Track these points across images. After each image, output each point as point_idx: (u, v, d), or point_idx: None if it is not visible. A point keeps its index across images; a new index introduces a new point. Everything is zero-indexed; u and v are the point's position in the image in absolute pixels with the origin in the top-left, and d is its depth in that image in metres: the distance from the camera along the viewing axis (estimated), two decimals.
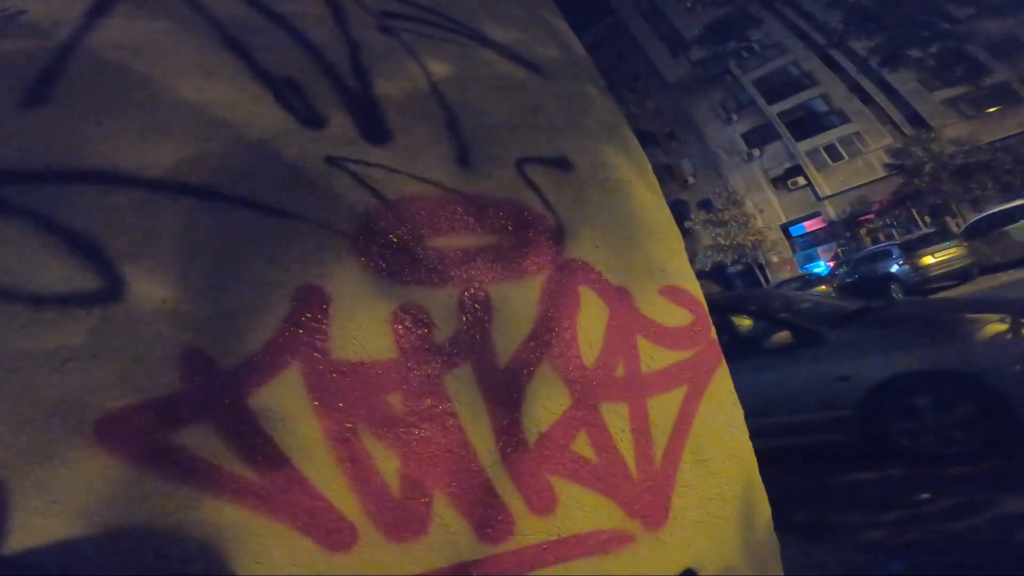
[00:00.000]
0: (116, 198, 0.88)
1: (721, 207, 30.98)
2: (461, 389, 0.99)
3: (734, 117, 33.35)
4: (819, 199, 30.81)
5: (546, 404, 1.07)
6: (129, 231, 0.87)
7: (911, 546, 2.77)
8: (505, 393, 1.03)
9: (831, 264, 26.00)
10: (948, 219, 25.33)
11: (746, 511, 1.40)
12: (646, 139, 34.04)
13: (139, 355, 0.82)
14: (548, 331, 1.12)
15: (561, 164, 1.38)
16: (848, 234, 29.52)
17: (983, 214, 16.24)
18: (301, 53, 1.19)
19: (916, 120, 27.86)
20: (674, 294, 1.46)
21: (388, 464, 0.92)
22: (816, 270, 26.05)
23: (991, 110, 26.35)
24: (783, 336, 4.43)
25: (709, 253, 31.73)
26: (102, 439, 0.78)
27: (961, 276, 14.02)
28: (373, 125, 1.13)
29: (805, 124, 31.37)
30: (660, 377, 1.30)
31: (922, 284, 14.04)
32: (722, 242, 30.31)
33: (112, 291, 0.83)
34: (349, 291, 0.95)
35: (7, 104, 0.94)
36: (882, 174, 28.27)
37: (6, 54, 1.01)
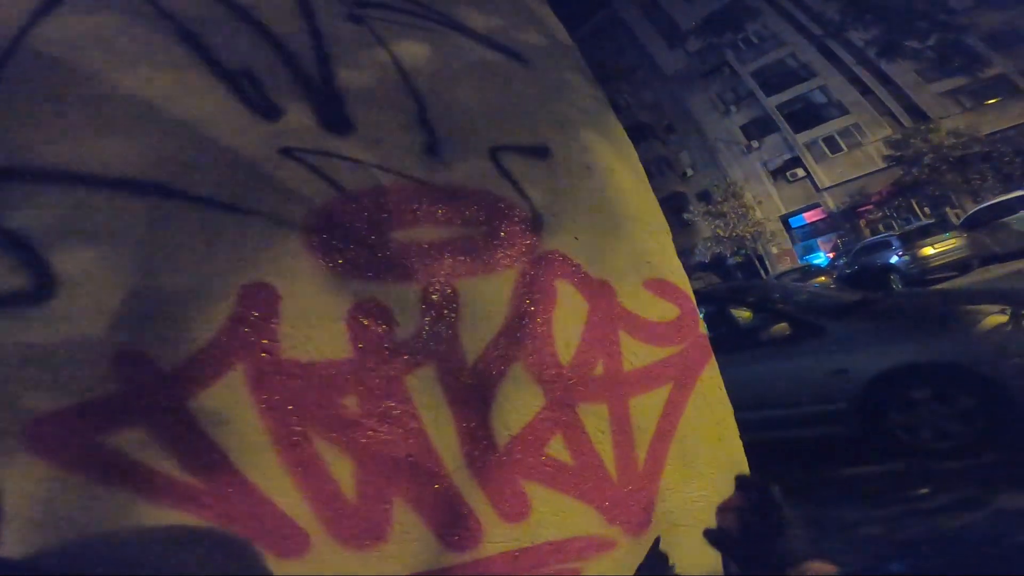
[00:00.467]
0: (52, 195, 0.82)
1: (720, 199, 30.97)
2: (424, 390, 0.93)
3: (732, 109, 33.25)
4: (819, 190, 30.79)
5: (518, 405, 1.01)
6: (66, 229, 0.81)
7: (907, 544, 2.72)
8: (473, 394, 0.97)
9: (831, 255, 25.99)
10: (948, 210, 25.28)
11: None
12: (644, 131, 33.93)
13: (74, 357, 0.76)
14: (521, 328, 1.05)
15: (539, 152, 1.31)
16: (848, 225, 29.50)
17: (983, 205, 16.17)
18: (261, 44, 1.12)
19: (915, 111, 27.81)
20: (660, 287, 1.39)
21: (343, 469, 0.86)
22: (816, 261, 26.02)
23: (990, 102, 26.28)
24: (781, 328, 4.37)
25: (708, 244, 31.70)
26: (35, 444, 0.73)
27: (961, 267, 13.98)
28: (334, 115, 1.06)
29: (804, 116, 31.34)
30: (643, 375, 1.24)
31: (922, 275, 14.00)
32: (721, 234, 30.31)
33: (46, 291, 0.78)
34: (302, 288, 0.89)
35: None
36: (881, 165, 28.24)
37: None
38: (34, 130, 0.87)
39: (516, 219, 1.14)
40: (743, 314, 5.23)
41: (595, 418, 1.11)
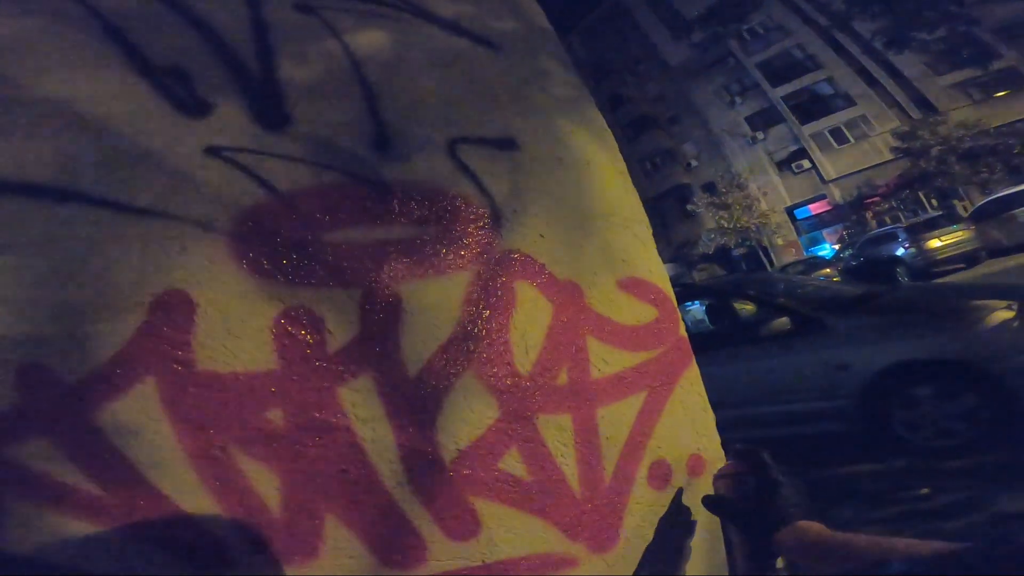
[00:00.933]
0: None
1: (724, 190, 30.81)
2: (359, 402, 0.86)
3: (737, 100, 32.95)
4: (824, 182, 30.53)
5: (467, 417, 0.94)
6: None
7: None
8: (416, 406, 0.90)
9: (836, 247, 25.73)
10: (955, 202, 25.00)
11: (713, 530, 1.27)
12: (647, 123, 33.64)
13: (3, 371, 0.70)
14: (473, 334, 0.97)
15: (504, 144, 1.23)
16: (854, 217, 29.22)
17: (991, 197, 15.97)
18: (193, 39, 1.04)
19: (923, 104, 27.50)
20: (635, 287, 1.31)
21: (268, 484, 0.80)
22: (821, 253, 25.81)
23: (999, 94, 25.91)
24: (782, 322, 4.28)
25: (712, 236, 31.48)
26: None
27: (968, 259, 13.81)
28: (269, 110, 0.99)
29: (810, 107, 31.04)
30: (614, 383, 1.16)
31: (928, 267, 13.84)
32: (725, 225, 30.16)
33: None
34: (222, 295, 0.82)
35: None
36: (889, 157, 27.96)
37: None
38: None
39: (472, 217, 1.06)
40: (744, 307, 5.14)
41: (557, 430, 1.03)
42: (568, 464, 1.03)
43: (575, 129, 1.44)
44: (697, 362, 1.37)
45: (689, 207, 33.15)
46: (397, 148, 1.06)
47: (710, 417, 1.36)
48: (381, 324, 0.89)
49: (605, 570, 1.06)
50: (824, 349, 3.98)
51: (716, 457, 1.32)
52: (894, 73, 28.08)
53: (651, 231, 1.47)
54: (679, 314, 1.41)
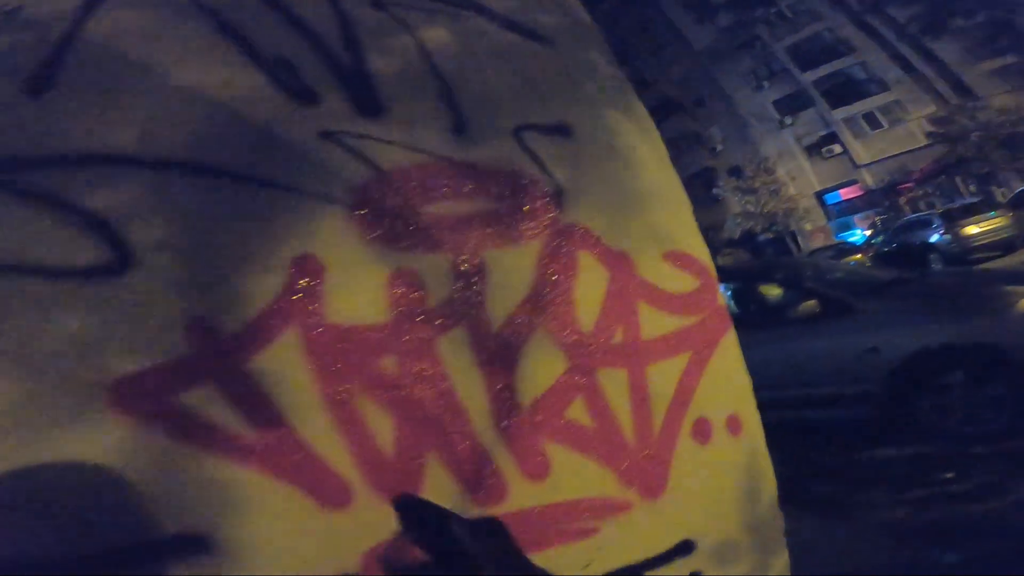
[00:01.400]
0: (122, 179, 0.92)
1: (751, 174, 30.20)
2: (454, 353, 1.01)
3: (765, 84, 32.25)
4: (856, 167, 29.76)
5: (541, 369, 1.08)
6: (135, 209, 0.90)
7: (931, 529, 2.72)
8: (499, 358, 1.04)
9: (868, 233, 25.19)
10: (994, 188, 24.25)
11: (749, 485, 1.39)
12: (672, 106, 33.13)
13: (147, 323, 0.86)
14: (543, 296, 1.11)
15: (560, 131, 1.35)
16: (887, 203, 28.49)
17: None
18: (293, 32, 1.19)
19: (961, 89, 26.57)
20: (679, 259, 1.43)
21: (382, 425, 0.94)
22: (852, 239, 25.25)
23: None
24: (810, 305, 4.32)
25: (739, 220, 31.01)
26: (115, 404, 0.82)
27: (1005, 247, 13.46)
28: (366, 99, 1.13)
29: (841, 92, 30.21)
30: (661, 343, 1.29)
31: (964, 255, 13.53)
32: (752, 209, 29.62)
33: (122, 265, 0.87)
34: (344, 259, 0.97)
35: (14, 94, 0.98)
36: (924, 142, 27.14)
37: (7, 47, 1.05)
38: (99, 118, 0.96)
39: (539, 194, 1.19)
40: (773, 291, 5.16)
41: (614, 384, 1.17)
42: (623, 415, 1.17)
43: (620, 117, 1.56)
44: None
45: (715, 191, 32.66)
46: (472, 134, 1.19)
47: (747, 381, 1.48)
48: (469, 285, 1.04)
49: (654, 516, 1.20)
50: (853, 333, 4.01)
51: (753, 419, 1.45)
52: (930, 58, 27.17)
53: (691, 209, 1.59)
54: (717, 285, 1.53)
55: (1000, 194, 22.45)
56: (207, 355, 0.87)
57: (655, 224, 1.42)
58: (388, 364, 0.95)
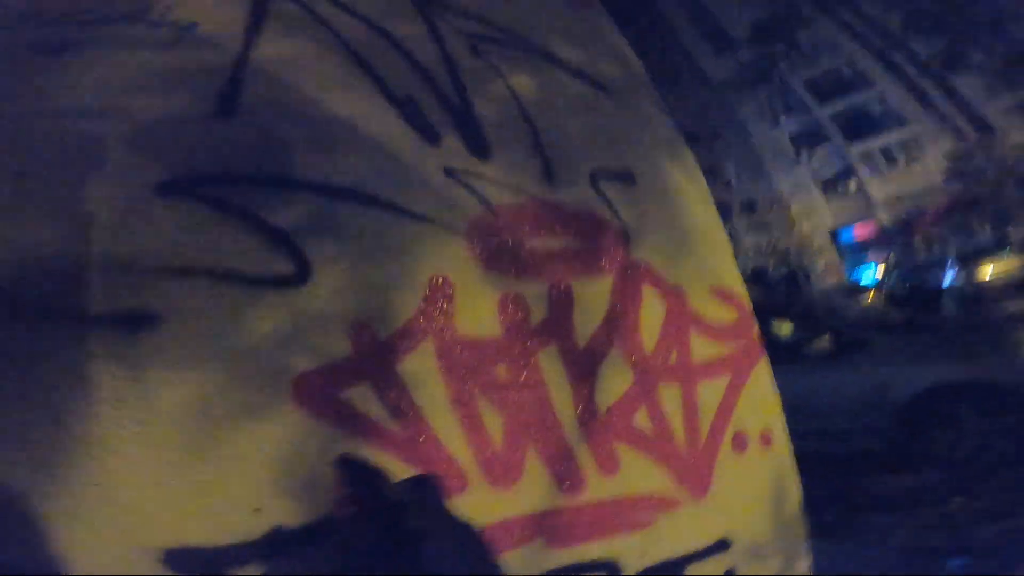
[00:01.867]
0: (299, 199, 1.13)
1: (765, 209, 30.26)
2: (550, 365, 1.22)
3: (782, 118, 32.46)
4: (871, 204, 29.74)
5: (614, 382, 1.29)
6: (311, 228, 1.11)
7: (934, 552, 2.87)
8: (583, 371, 1.25)
9: (881, 272, 25.17)
10: (1010, 228, 24.23)
11: (778, 493, 1.59)
12: (688, 138, 33.33)
13: (323, 327, 1.07)
14: (616, 321, 1.33)
15: (626, 177, 1.58)
16: (901, 241, 28.43)
17: None
18: (413, 73, 1.39)
19: (980, 125, 26.57)
20: (722, 294, 1.65)
21: (494, 422, 1.15)
22: (865, 278, 25.24)
23: None
24: (824, 342, 4.49)
25: (750, 256, 31.02)
26: (296, 397, 1.03)
27: (1019, 288, 13.50)
28: (477, 141, 1.35)
29: (858, 126, 30.27)
30: (707, 366, 1.50)
31: (978, 295, 13.58)
32: (764, 245, 29.60)
33: (303, 276, 1.08)
34: (467, 281, 1.19)
35: (206, 114, 1.18)
36: (941, 180, 27.16)
37: (190, 66, 1.25)
38: (276, 142, 1.18)
39: (612, 234, 1.41)
40: (787, 326, 5.31)
41: (670, 397, 1.38)
42: (677, 424, 1.37)
43: (673, 165, 1.79)
44: None
45: (727, 226, 32.74)
46: (558, 178, 1.41)
47: (777, 402, 1.68)
48: (561, 309, 1.26)
49: (698, 514, 1.39)
50: (867, 369, 4.17)
51: (782, 435, 1.64)
52: (950, 93, 27.26)
53: (732, 250, 1.81)
54: (754, 318, 1.73)
55: (1016, 234, 22.42)
56: (366, 358, 1.08)
57: (703, 262, 1.64)
58: (501, 371, 1.17)
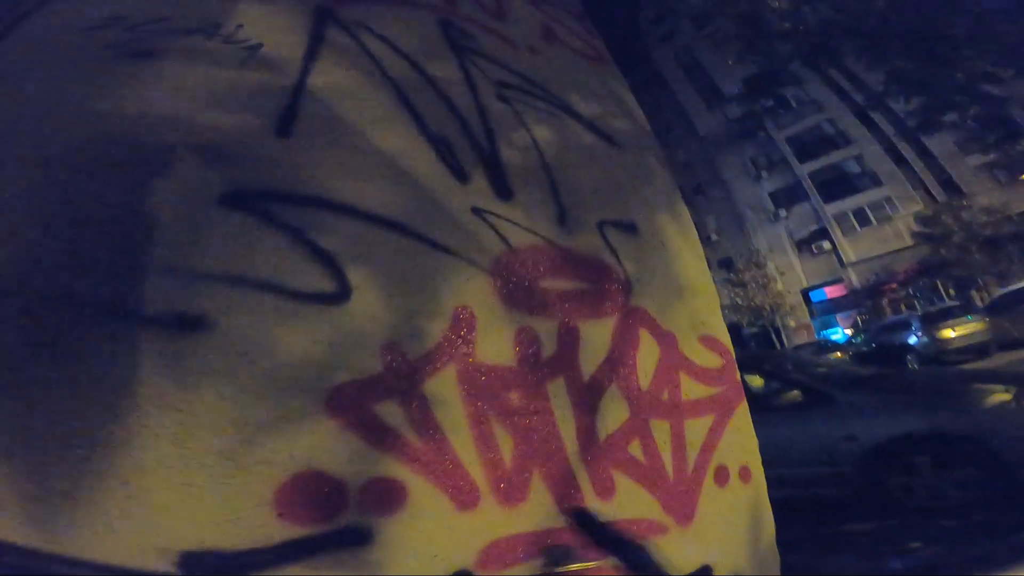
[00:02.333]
0: (344, 223, 1.26)
1: (742, 267, 30.76)
2: (556, 395, 1.35)
3: (764, 175, 33.42)
4: (843, 265, 30.53)
5: (612, 414, 1.42)
6: (353, 251, 1.23)
7: None
8: (586, 403, 1.39)
9: (849, 332, 25.83)
10: (973, 292, 25.07)
11: (754, 524, 1.72)
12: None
13: (358, 345, 1.18)
14: (616, 360, 1.47)
15: (630, 228, 1.74)
16: (869, 303, 29.24)
17: (1008, 289, 16.23)
18: (448, 114, 1.54)
19: (949, 186, 27.07)
20: (709, 342, 1.81)
21: (505, 444, 1.27)
22: (834, 337, 25.84)
23: None
24: (794, 395, 4.72)
25: (726, 313, 31.41)
26: (329, 408, 1.13)
27: (980, 351, 14.03)
28: (501, 184, 1.50)
29: (836, 186, 30.94)
30: (694, 405, 1.65)
31: (939, 356, 14.06)
32: (740, 303, 29.87)
33: (343, 296, 1.20)
34: (488, 313, 1.32)
35: (266, 132, 1.30)
36: (910, 242, 27.91)
37: (255, 86, 1.37)
38: (328, 168, 1.31)
39: (616, 280, 1.58)
40: (756, 381, 5.53)
41: (660, 431, 1.52)
42: (667, 456, 1.51)
43: (669, 218, 1.97)
44: None
45: None
46: (570, 224, 1.58)
47: (755, 441, 1.83)
48: (569, 345, 1.40)
49: (684, 541, 1.51)
50: (833, 421, 4.40)
51: (759, 472, 1.79)
52: (924, 153, 27.71)
53: (719, 302, 1.99)
54: (736, 365, 1.90)
55: (979, 298, 23.16)
56: (394, 377, 1.19)
57: (694, 311, 1.80)
58: (513, 398, 1.29)
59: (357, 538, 1.12)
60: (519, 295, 1.38)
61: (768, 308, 30.20)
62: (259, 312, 1.15)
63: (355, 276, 1.23)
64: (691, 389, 1.66)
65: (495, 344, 1.32)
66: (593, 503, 1.35)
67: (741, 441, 1.75)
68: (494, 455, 1.26)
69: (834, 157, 31.32)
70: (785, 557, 1.80)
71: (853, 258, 30.29)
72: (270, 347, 1.14)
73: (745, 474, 1.71)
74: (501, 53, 1.85)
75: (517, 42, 1.96)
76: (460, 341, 1.27)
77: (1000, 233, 23.86)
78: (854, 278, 30.22)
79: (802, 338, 29.18)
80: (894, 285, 28.72)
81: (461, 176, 1.47)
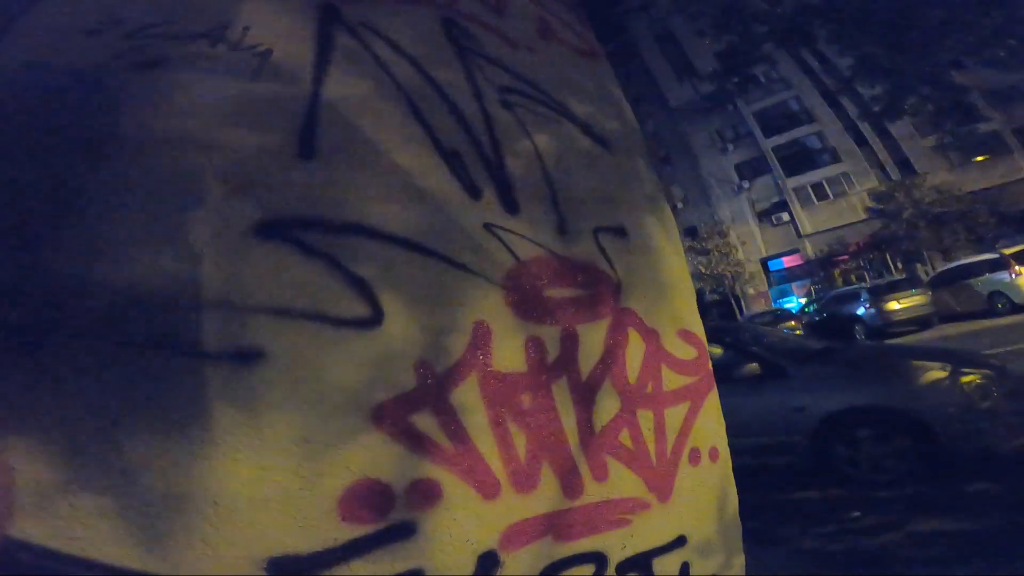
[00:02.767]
0: (372, 247, 1.36)
1: (706, 235, 31.47)
2: (560, 394, 1.51)
3: (730, 147, 34.01)
4: (800, 236, 31.62)
5: (606, 408, 1.60)
6: (383, 275, 1.34)
7: (835, 556, 3.39)
8: (584, 399, 1.56)
9: (803, 300, 26.95)
10: (919, 266, 26.35)
11: (722, 498, 1.95)
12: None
13: (394, 364, 1.31)
14: (610, 358, 1.65)
15: (620, 232, 1.88)
16: (823, 273, 30.44)
17: (950, 265, 17.15)
18: (456, 126, 1.61)
19: (905, 165, 28.17)
20: (686, 336, 2.00)
21: (519, 440, 1.43)
22: (788, 305, 26.89)
23: (978, 159, 26.69)
24: (753, 367, 5.05)
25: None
26: (376, 422, 1.27)
27: (922, 323, 14.93)
28: (508, 198, 1.61)
29: (797, 160, 31.90)
30: (673, 394, 1.84)
31: (884, 328, 14.92)
32: (702, 270, 30.58)
33: (377, 320, 1.32)
34: (501, 325, 1.46)
35: (290, 155, 1.36)
36: (863, 216, 29.03)
37: (271, 99, 1.40)
38: (353, 190, 1.40)
39: (609, 284, 1.74)
40: (715, 351, 5.85)
41: (645, 420, 1.71)
42: (650, 442, 1.71)
43: (655, 222, 2.12)
44: None
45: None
46: (569, 233, 1.71)
47: (722, 424, 2.05)
48: (569, 348, 1.56)
49: (664, 515, 1.72)
50: (786, 393, 4.76)
51: (725, 452, 2.01)
52: (883, 133, 28.79)
53: (695, 297, 2.17)
54: (708, 355, 2.10)
55: (924, 272, 24.31)
56: (427, 390, 1.33)
57: (674, 308, 1.98)
58: (525, 400, 1.45)
59: (405, 532, 1.29)
60: (527, 306, 1.52)
61: (729, 276, 31.05)
62: (306, 340, 1.26)
63: (386, 299, 1.34)
64: (671, 380, 1.85)
65: (508, 353, 1.46)
66: (590, 486, 1.54)
67: (711, 425, 1.96)
68: (511, 451, 1.42)
69: (797, 132, 32.05)
70: (744, 524, 2.04)
71: (810, 230, 31.34)
72: (319, 372, 1.25)
73: (714, 454, 1.94)
74: (502, 54, 1.89)
75: (516, 41, 2.01)
76: (480, 353, 1.41)
77: (947, 211, 24.93)
78: (809, 249, 31.32)
79: (759, 306, 30.20)
80: (846, 257, 29.89)
81: (473, 192, 1.56)
